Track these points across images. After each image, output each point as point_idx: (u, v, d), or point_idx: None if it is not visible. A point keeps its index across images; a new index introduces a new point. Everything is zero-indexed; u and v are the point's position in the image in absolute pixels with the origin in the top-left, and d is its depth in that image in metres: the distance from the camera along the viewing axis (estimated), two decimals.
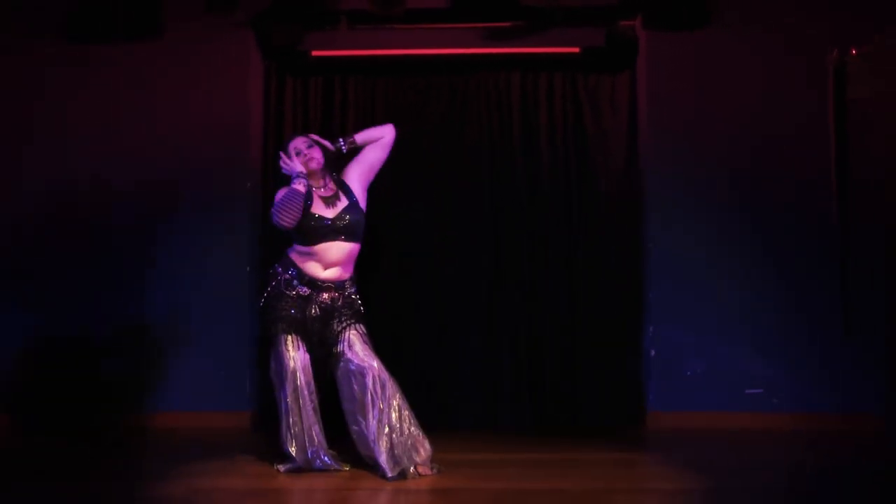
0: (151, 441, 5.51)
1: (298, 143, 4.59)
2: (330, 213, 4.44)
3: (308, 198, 4.45)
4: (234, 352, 5.83)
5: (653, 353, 5.79)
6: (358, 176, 4.62)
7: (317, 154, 4.52)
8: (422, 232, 6.15)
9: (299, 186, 4.36)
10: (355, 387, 4.37)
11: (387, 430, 4.30)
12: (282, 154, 4.52)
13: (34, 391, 5.83)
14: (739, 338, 5.72)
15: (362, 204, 4.59)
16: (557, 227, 6.16)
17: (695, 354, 5.73)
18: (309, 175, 4.49)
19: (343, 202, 4.48)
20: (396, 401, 4.34)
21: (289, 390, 4.42)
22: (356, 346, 4.43)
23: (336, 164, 4.65)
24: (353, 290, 4.55)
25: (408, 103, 6.25)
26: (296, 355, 4.44)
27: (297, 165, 4.44)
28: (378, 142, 4.65)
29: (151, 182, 5.83)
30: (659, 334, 5.77)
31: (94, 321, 5.83)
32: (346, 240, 4.44)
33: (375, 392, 4.32)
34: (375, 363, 4.40)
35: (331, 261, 4.44)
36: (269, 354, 4.57)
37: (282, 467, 4.45)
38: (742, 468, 4.65)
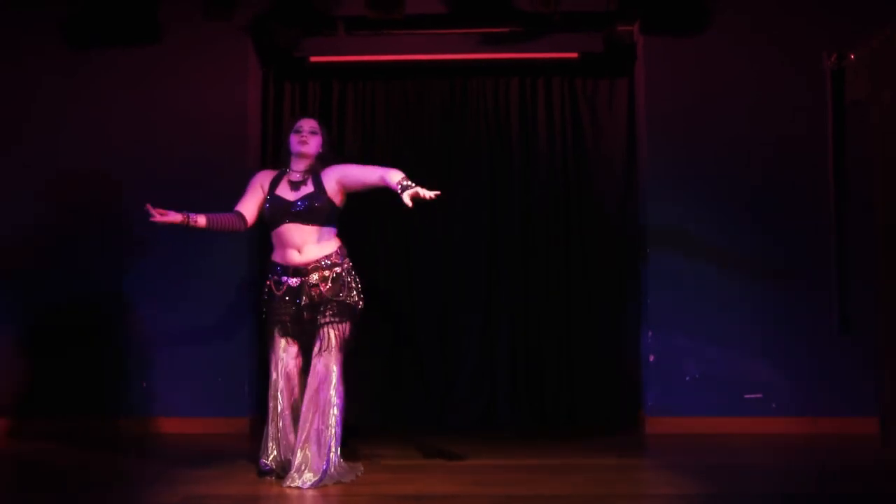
0: (148, 447, 5.48)
1: (304, 123, 4.54)
2: (291, 196, 4.42)
3: (276, 182, 4.47)
4: (234, 357, 5.82)
5: (651, 358, 5.77)
6: (336, 175, 4.48)
7: (314, 142, 4.49)
8: (421, 234, 6.14)
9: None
10: (311, 388, 4.34)
11: (310, 437, 4.27)
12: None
13: (26, 395, 5.80)
14: (738, 343, 5.71)
15: (336, 198, 4.47)
16: (556, 231, 6.16)
17: (693, 359, 5.72)
18: (297, 156, 4.48)
19: (308, 188, 4.44)
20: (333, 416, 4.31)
21: (271, 395, 4.45)
22: (327, 353, 4.34)
23: (326, 161, 4.58)
24: (346, 269, 4.44)
25: (406, 108, 6.25)
26: (284, 360, 4.44)
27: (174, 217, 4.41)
28: (372, 179, 4.40)
29: (149, 186, 5.81)
30: (657, 339, 5.75)
31: (89, 325, 5.81)
32: (304, 222, 4.38)
33: (316, 402, 4.30)
34: (332, 377, 4.32)
35: (296, 243, 4.39)
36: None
37: (271, 477, 4.41)
38: (741, 473, 4.63)
